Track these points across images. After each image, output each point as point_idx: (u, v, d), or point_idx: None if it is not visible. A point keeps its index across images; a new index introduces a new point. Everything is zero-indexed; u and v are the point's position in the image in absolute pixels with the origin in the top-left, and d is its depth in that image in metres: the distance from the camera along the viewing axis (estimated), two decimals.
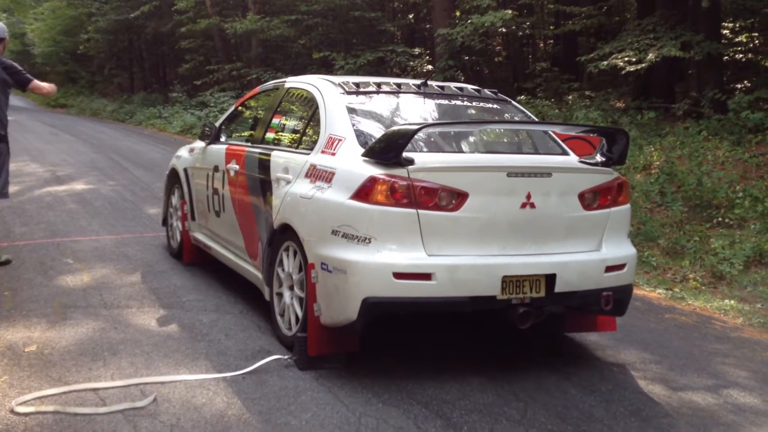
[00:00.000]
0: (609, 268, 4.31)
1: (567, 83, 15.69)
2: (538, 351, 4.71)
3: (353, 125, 4.43)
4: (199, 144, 6.41)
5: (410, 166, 3.87)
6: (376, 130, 4.42)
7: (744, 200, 7.98)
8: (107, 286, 5.63)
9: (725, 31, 14.55)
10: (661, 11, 12.87)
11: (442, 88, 5.25)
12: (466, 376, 4.17)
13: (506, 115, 5.15)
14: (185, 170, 6.53)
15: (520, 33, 17.72)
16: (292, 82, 5.52)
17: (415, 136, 3.93)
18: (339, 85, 4.87)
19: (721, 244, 7.13)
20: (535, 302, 4.08)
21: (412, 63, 18.35)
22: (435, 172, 3.95)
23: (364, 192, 3.90)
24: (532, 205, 4.07)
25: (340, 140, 4.36)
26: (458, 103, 5.13)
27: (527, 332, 4.42)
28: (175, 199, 6.83)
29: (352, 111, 4.59)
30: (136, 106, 28.90)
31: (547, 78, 16.49)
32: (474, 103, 5.19)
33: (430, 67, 18.57)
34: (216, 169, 5.80)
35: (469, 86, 5.47)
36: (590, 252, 4.32)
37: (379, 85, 4.98)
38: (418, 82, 5.23)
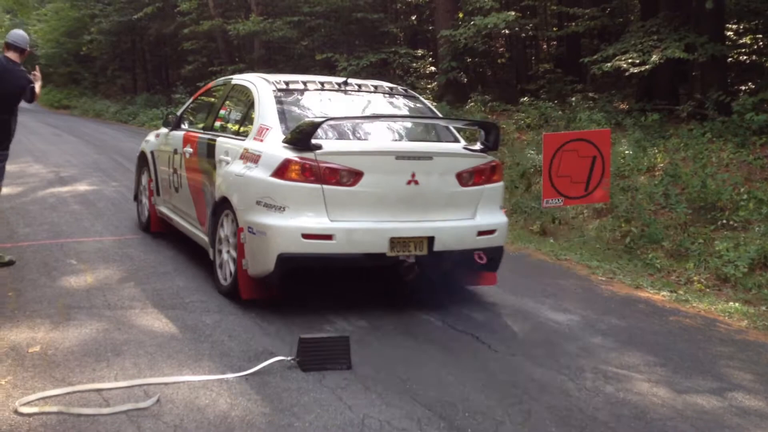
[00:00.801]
0: (481, 233, 5.39)
1: (570, 85, 15.67)
2: (540, 352, 4.70)
3: (279, 117, 5.42)
4: (164, 130, 7.41)
5: (318, 151, 4.92)
6: (297, 121, 5.24)
7: (748, 202, 7.95)
8: (111, 287, 5.62)
9: (729, 33, 14.53)
10: (665, 13, 12.86)
11: (359, 86, 6.20)
12: (468, 378, 4.16)
13: (409, 108, 6.25)
14: (152, 153, 7.56)
15: (523, 34, 17.72)
16: (237, 79, 6.59)
17: (324, 126, 5.08)
18: (272, 83, 5.83)
19: (726, 246, 7.10)
20: (418, 259, 5.19)
21: (415, 64, 18.36)
22: (337, 155, 4.99)
23: (281, 171, 4.94)
24: (416, 182, 5.10)
25: (267, 129, 5.37)
26: (372, 98, 6.11)
27: (533, 332, 4.42)
28: (144, 178, 7.77)
29: (280, 105, 5.57)
30: (138, 108, 28.90)
31: (551, 80, 16.48)
32: (386, 99, 6.21)
33: (433, 68, 18.58)
34: (175, 151, 6.82)
35: (385, 84, 6.53)
36: (465, 220, 5.38)
37: (305, 83, 5.96)
38: (340, 80, 6.17)
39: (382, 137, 5.62)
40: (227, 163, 5.54)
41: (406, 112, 6.20)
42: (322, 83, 6.03)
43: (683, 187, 8.70)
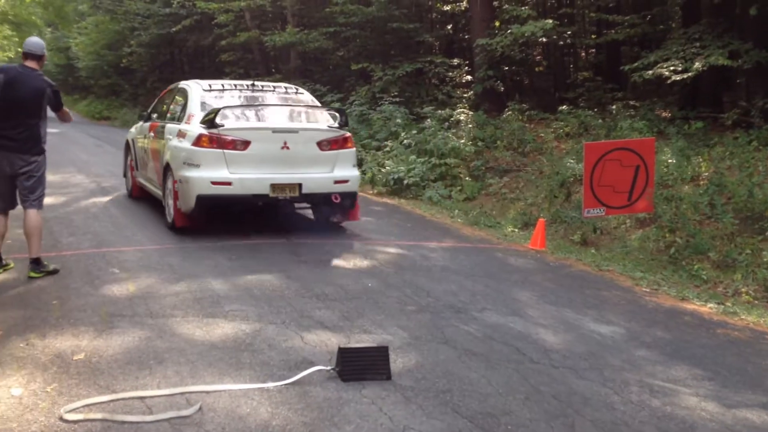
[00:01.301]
0: (336, 182, 7.98)
1: (610, 93, 15.48)
2: (583, 364, 4.61)
3: (201, 107, 8.05)
4: (140, 123, 10.17)
5: (220, 128, 7.51)
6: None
7: None
8: (152, 295, 5.66)
9: None
10: (707, 19, 12.65)
11: (263, 86, 9.00)
12: (510, 390, 4.10)
13: (295, 101, 8.74)
14: (132, 140, 10.36)
15: (561, 42, 17.56)
16: (181, 84, 9.24)
17: (225, 112, 7.64)
18: (201, 85, 8.61)
19: None
20: (292, 198, 7.87)
21: (450, 74, 18.31)
22: (233, 131, 7.57)
23: (197, 141, 7.55)
24: (288, 148, 7.68)
25: (193, 116, 8.03)
26: (270, 94, 8.71)
27: (575, 344, 4.33)
28: (127, 159, 10.62)
29: (203, 100, 8.21)
30: None
31: (590, 88, 16.29)
32: (281, 94, 8.80)
33: (469, 77, 18.50)
34: (145, 136, 9.56)
35: (284, 84, 9.35)
36: (325, 173, 7.96)
37: (224, 85, 8.80)
38: (249, 82, 9.13)
39: (265, 118, 8.14)
40: (170, 140, 8.14)
41: (291, 103, 8.68)
42: (236, 85, 8.95)
43: (729, 196, 8.52)
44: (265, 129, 7.75)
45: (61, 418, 3.46)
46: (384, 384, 4.08)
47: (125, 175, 10.82)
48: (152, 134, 9.10)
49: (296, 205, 8.79)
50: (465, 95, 17.88)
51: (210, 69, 32.31)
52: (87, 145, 19.76)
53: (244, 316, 5.22)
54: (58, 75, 50.23)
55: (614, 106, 14.17)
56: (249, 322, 5.09)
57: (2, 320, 4.94)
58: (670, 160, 10.04)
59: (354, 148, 8.43)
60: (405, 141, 13.90)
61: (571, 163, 10.78)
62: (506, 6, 17.42)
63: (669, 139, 11.23)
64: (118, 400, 3.70)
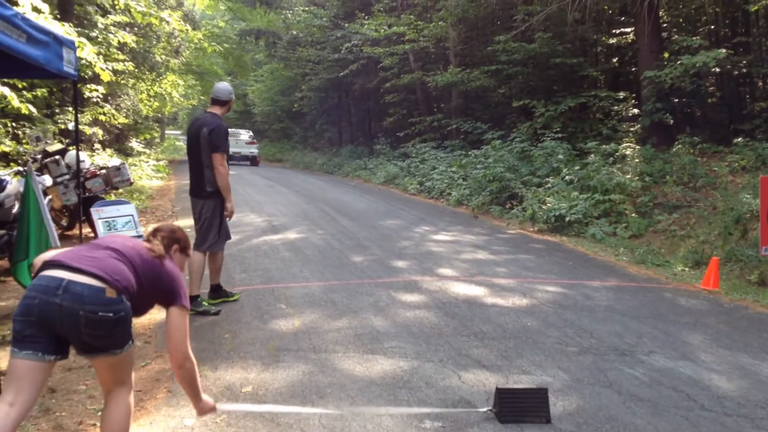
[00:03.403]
0: (251, 152, 30.41)
1: None
2: (761, 414, 4.26)
3: None
4: None
5: None
6: None
7: None
8: (316, 330, 5.89)
9: None
10: None
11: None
12: None
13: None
14: None
15: (736, 72, 16.57)
16: None
17: None
18: None
19: None
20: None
21: (616, 107, 17.76)
22: None
23: None
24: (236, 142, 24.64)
25: None
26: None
27: (751, 391, 4.02)
28: None
29: None
30: (343, 159, 30.41)
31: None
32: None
33: (636, 110, 17.87)
34: None
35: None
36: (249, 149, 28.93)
37: None
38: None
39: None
40: None
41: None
42: None
43: None
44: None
45: None
46: (543, 428, 4.00)
47: None
48: None
49: None
50: (631, 129, 17.26)
51: (374, 110, 33.42)
52: (260, 186, 20.92)
53: (402, 353, 5.30)
54: (236, 121, 53.83)
55: None
56: (407, 359, 5.16)
57: None
58: None
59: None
60: (567, 177, 13.61)
61: (747, 198, 10.08)
62: (676, 37, 16.73)
63: None
64: None
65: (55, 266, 2.97)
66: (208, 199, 6.45)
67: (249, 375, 4.81)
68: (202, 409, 3.41)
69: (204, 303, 6.52)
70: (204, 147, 6.32)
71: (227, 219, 6.62)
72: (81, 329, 2.90)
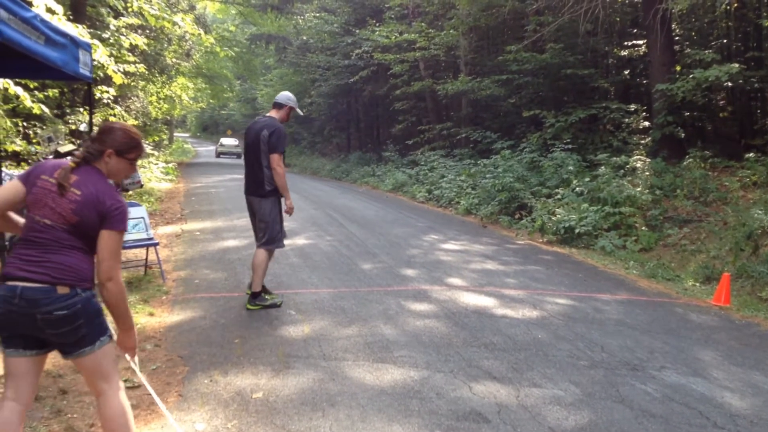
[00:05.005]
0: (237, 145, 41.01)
1: None
2: None
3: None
4: None
5: None
6: None
7: None
8: (326, 337, 5.87)
9: None
10: None
11: None
12: None
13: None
14: None
15: (748, 87, 16.52)
16: None
17: None
18: None
19: None
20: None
21: (626, 120, 17.72)
22: None
23: None
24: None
25: None
26: None
27: (764, 410, 3.98)
28: None
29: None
30: (351, 165, 30.43)
31: None
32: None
33: (646, 123, 17.83)
34: None
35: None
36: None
37: None
38: None
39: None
40: None
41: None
42: None
43: None
44: None
45: None
46: None
47: None
48: None
49: None
50: (642, 141, 17.22)
51: (383, 117, 33.45)
52: None
53: (412, 362, 5.28)
54: (245, 124, 53.96)
55: None
56: (417, 369, 5.14)
57: (190, 356, 5.31)
58: None
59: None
60: (577, 188, 13.58)
61: (759, 214, 10.03)
62: (688, 50, 16.70)
63: None
64: None
65: (7, 277, 3.02)
66: (267, 198, 6.73)
67: (259, 381, 4.79)
68: (122, 341, 3.27)
69: (267, 297, 6.83)
70: (263, 148, 6.64)
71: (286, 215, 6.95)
72: (45, 330, 2.99)
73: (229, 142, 49.41)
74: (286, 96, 7.01)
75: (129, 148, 3.26)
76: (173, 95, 29.87)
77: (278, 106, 6.91)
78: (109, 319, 3.18)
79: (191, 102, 39.24)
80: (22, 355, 3.07)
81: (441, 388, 4.77)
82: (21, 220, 3.25)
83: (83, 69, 6.07)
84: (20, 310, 2.95)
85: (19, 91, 8.50)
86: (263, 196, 6.73)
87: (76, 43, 5.77)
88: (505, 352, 5.60)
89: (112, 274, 3.08)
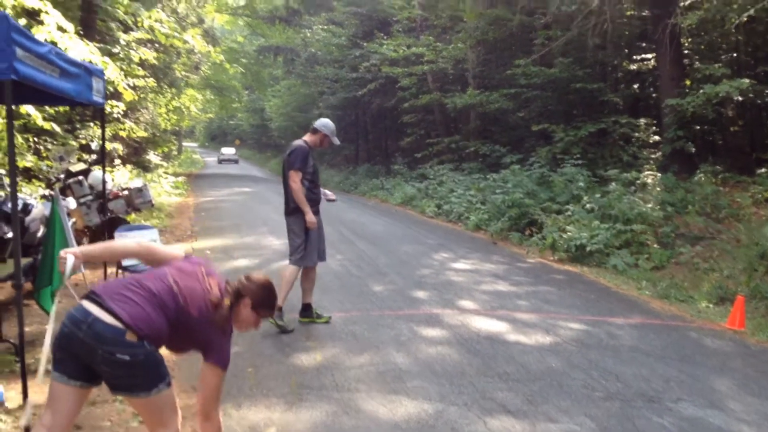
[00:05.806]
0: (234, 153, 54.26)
1: None
2: None
3: None
4: None
5: None
6: None
7: None
8: (338, 366, 5.84)
9: None
10: None
11: None
12: None
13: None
14: None
15: (759, 101, 16.46)
16: None
17: None
18: None
19: None
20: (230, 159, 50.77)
21: (636, 134, 17.67)
22: None
23: None
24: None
25: None
26: None
27: None
28: None
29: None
30: (360, 178, 30.45)
31: None
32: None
33: (656, 137, 17.78)
34: None
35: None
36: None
37: None
38: None
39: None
40: None
41: None
42: None
43: None
44: None
45: None
46: None
47: None
48: None
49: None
50: (652, 156, 17.18)
51: (392, 130, 33.48)
52: (278, 204, 20.88)
53: (426, 394, 5.24)
54: (253, 134, 54.30)
55: None
56: (431, 401, 5.10)
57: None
58: None
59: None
60: (588, 205, 13.52)
61: None
62: (698, 64, 16.65)
63: None
64: None
65: (92, 299, 3.05)
66: (292, 215, 7.06)
67: (273, 415, 4.77)
68: None
69: (278, 321, 6.89)
70: (286, 167, 7.04)
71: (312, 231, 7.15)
72: (100, 366, 2.98)
73: (228, 151, 59.35)
74: (322, 123, 7.23)
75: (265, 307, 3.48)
76: (182, 107, 29.99)
77: (314, 130, 7.18)
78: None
79: (199, 113, 39.44)
80: (67, 383, 3.06)
81: (455, 422, 4.73)
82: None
83: (96, 96, 6.09)
84: (84, 338, 2.95)
85: (31, 110, 8.53)
86: (288, 214, 7.09)
87: (89, 71, 5.79)
88: (519, 383, 5.56)
89: (210, 414, 3.20)
